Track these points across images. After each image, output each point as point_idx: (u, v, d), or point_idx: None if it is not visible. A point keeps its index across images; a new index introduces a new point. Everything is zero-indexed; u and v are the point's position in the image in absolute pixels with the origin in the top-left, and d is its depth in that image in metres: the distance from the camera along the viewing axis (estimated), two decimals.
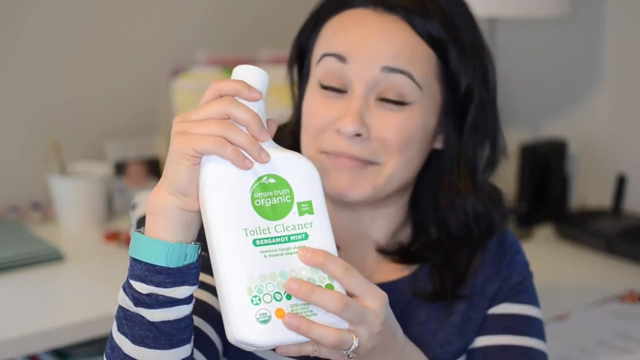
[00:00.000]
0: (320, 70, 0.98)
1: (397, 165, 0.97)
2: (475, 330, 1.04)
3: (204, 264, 1.05)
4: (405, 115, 0.95)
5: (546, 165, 2.03)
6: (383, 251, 1.05)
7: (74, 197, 1.91)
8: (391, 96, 0.95)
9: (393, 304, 1.03)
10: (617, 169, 2.00)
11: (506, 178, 2.28)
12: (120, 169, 2.09)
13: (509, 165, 2.13)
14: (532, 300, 1.07)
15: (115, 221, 2.00)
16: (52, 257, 1.73)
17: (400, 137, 0.95)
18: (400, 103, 0.95)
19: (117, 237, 1.86)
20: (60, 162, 1.94)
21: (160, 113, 2.18)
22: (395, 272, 1.05)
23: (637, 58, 1.96)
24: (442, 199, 1.02)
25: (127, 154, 2.11)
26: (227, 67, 2.11)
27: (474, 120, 1.00)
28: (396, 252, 1.05)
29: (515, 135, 2.17)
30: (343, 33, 0.96)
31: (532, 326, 1.05)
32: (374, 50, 0.94)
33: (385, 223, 1.05)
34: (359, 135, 0.95)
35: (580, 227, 1.93)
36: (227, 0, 2.24)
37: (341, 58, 0.95)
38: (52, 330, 1.47)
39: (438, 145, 1.02)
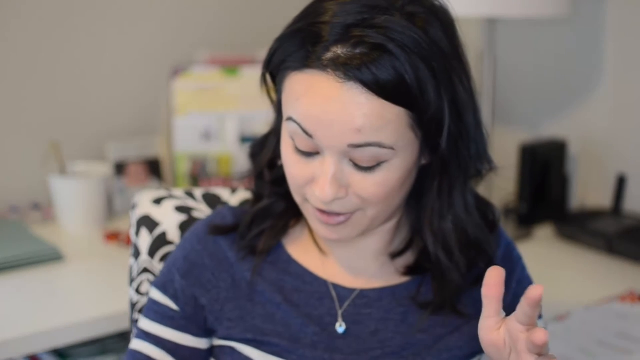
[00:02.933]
0: (289, 129, 0.95)
1: (381, 209, 0.97)
2: None
3: (162, 313, 1.06)
4: (382, 174, 0.94)
5: (546, 165, 2.03)
6: (391, 256, 1.06)
7: (74, 197, 1.91)
8: (365, 164, 0.93)
9: (395, 308, 1.03)
10: (617, 169, 2.00)
11: (506, 178, 2.29)
12: (120, 169, 2.10)
13: (509, 165, 2.14)
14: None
15: (115, 221, 2.00)
16: (52, 257, 1.73)
17: (380, 194, 0.95)
18: (376, 165, 0.93)
19: (117, 237, 1.86)
20: (60, 162, 1.94)
21: (160, 113, 2.18)
22: (398, 276, 1.05)
23: (637, 58, 1.96)
24: (430, 206, 1.01)
25: (127, 154, 2.11)
26: (227, 67, 2.11)
27: (446, 150, 0.96)
28: (397, 255, 1.05)
29: (515, 135, 2.17)
30: (305, 103, 0.91)
31: None
32: (337, 129, 0.90)
33: (383, 235, 1.06)
34: (337, 198, 0.95)
35: (580, 227, 1.93)
36: (227, 0, 2.24)
37: (307, 134, 0.92)
38: (52, 330, 1.47)
39: (424, 160, 1.00)
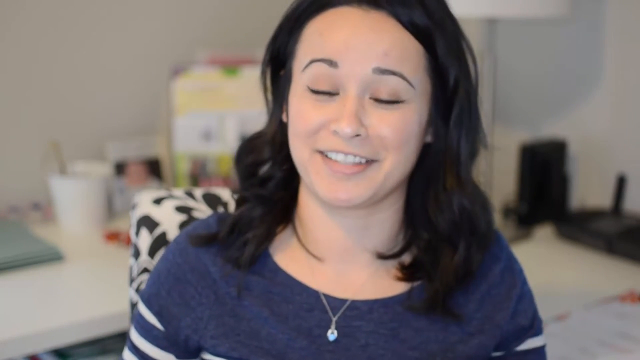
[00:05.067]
0: (308, 75, 0.95)
1: (397, 162, 0.96)
2: (487, 344, 1.02)
3: (148, 329, 1.05)
4: (401, 113, 0.94)
5: (546, 165, 2.03)
6: (382, 256, 1.02)
7: (74, 197, 1.91)
8: (385, 97, 0.94)
9: (386, 322, 1.00)
10: (617, 169, 2.00)
11: (506, 178, 2.29)
12: (120, 169, 2.10)
13: (509, 165, 2.14)
14: (540, 323, 1.09)
15: (115, 221, 2.00)
16: (52, 257, 1.73)
17: (398, 135, 0.94)
18: (395, 102, 0.94)
19: (117, 237, 1.86)
20: (60, 162, 1.94)
21: (160, 113, 2.18)
22: (389, 288, 1.02)
23: (637, 58, 1.96)
24: (430, 195, 1.00)
25: (127, 154, 2.11)
26: (227, 67, 2.11)
27: (459, 112, 0.98)
28: (394, 257, 1.02)
29: (515, 135, 2.17)
30: (330, 35, 0.94)
31: (544, 351, 1.08)
32: (365, 51, 0.92)
33: (380, 230, 1.02)
34: (357, 135, 0.93)
35: (580, 227, 1.93)
36: (227, 0, 2.24)
37: (332, 63, 0.93)
38: (52, 330, 1.47)
39: (428, 139, 1.00)
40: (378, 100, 0.94)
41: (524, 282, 1.07)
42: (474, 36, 2.23)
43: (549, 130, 2.14)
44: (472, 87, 0.99)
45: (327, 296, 1.01)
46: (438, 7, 0.96)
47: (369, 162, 0.95)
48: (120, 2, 2.10)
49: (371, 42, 0.92)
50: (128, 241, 1.81)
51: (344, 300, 1.01)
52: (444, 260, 1.00)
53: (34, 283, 1.65)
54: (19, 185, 2.00)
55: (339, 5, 0.95)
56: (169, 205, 1.24)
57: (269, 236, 1.03)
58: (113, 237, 1.86)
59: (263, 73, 1.02)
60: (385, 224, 1.02)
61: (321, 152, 0.96)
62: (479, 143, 1.02)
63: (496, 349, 1.04)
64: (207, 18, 2.22)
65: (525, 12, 1.80)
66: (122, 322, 1.50)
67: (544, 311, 1.45)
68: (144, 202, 1.25)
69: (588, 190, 2.09)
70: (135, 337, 1.05)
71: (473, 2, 1.80)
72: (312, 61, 0.94)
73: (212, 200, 1.26)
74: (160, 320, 1.03)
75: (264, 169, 1.04)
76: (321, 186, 0.96)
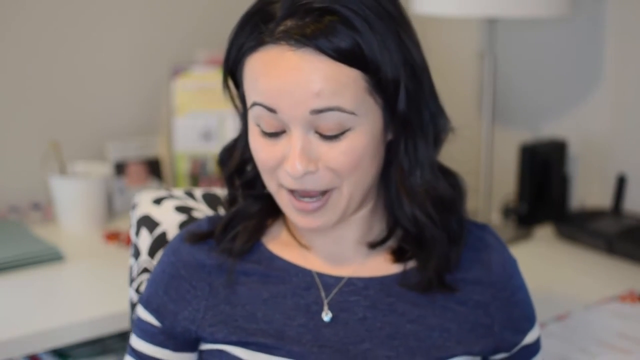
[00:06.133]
0: (254, 114, 0.96)
1: (355, 183, 0.97)
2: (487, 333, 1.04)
3: (145, 330, 1.06)
4: (349, 141, 0.94)
5: (546, 165, 2.03)
6: (370, 244, 1.04)
7: (74, 197, 1.91)
8: (328, 132, 0.94)
9: (382, 298, 1.02)
10: (617, 169, 2.00)
11: (506, 178, 2.30)
12: (120, 169, 2.10)
13: (509, 165, 2.14)
14: (535, 315, 1.10)
15: (115, 221, 2.00)
16: (52, 257, 1.73)
17: (349, 163, 0.95)
18: (339, 134, 0.94)
19: (117, 237, 1.86)
20: (60, 162, 1.94)
21: (160, 113, 2.18)
22: (384, 268, 1.05)
23: (637, 58, 1.96)
24: (396, 186, 1.01)
25: (127, 154, 2.11)
26: None
27: (405, 109, 0.97)
28: (382, 243, 1.04)
29: (515, 135, 2.17)
30: (264, 82, 0.93)
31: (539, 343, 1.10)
32: (298, 96, 0.92)
33: (360, 225, 1.05)
34: (308, 172, 0.94)
35: (580, 227, 1.93)
36: (227, 1, 2.24)
37: (270, 109, 0.94)
38: (52, 330, 1.47)
39: (390, 136, 1.00)
40: (323, 136, 0.94)
41: (520, 274, 1.09)
42: (474, 36, 2.23)
43: (549, 130, 2.14)
44: (416, 84, 0.97)
45: (323, 275, 1.04)
46: (362, 18, 0.92)
47: (329, 191, 0.97)
48: (120, 2, 2.10)
49: (302, 85, 0.92)
50: (128, 241, 1.81)
51: (340, 278, 1.04)
52: (427, 242, 1.02)
53: (34, 283, 1.65)
54: (19, 185, 2.00)
55: (270, 44, 0.93)
56: (169, 205, 1.24)
57: (260, 228, 1.07)
58: (113, 237, 1.87)
59: (225, 82, 1.03)
60: (364, 219, 1.05)
61: (285, 188, 0.98)
62: (439, 136, 1.01)
63: (498, 350, 1.05)
64: (207, 18, 2.22)
65: (525, 12, 1.80)
66: (122, 322, 1.51)
67: (544, 311, 1.45)
68: (144, 202, 1.25)
69: (588, 190, 2.09)
70: (134, 340, 1.08)
71: (473, 2, 1.80)
72: (254, 104, 0.96)
73: (212, 200, 1.26)
74: (157, 317, 1.06)
75: (249, 168, 1.07)
76: (291, 217, 1.00)
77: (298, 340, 1.01)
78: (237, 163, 1.06)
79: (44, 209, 2.01)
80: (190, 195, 1.27)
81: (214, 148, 2.11)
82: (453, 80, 2.30)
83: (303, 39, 0.91)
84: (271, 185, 1.00)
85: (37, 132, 2.01)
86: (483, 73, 1.99)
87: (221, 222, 1.07)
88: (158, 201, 1.24)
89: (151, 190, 1.29)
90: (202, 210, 1.24)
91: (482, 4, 1.79)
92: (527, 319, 1.07)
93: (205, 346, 1.05)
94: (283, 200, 0.99)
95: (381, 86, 0.94)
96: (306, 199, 0.97)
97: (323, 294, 1.03)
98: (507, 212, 2.07)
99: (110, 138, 2.11)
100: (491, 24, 1.94)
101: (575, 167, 2.10)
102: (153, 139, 2.16)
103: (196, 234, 1.08)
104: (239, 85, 1.02)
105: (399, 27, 0.96)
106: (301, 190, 0.96)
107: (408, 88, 0.96)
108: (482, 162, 1.97)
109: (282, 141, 0.95)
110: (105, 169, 2.01)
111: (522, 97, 2.18)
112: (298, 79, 0.92)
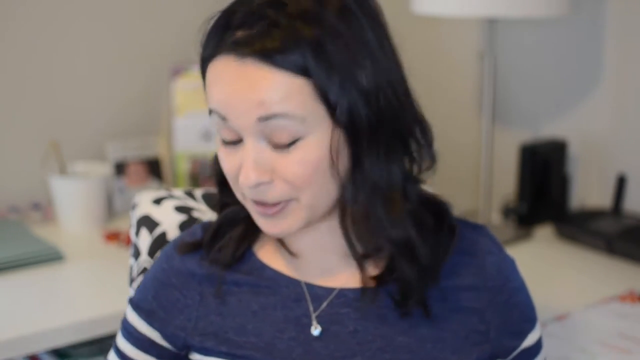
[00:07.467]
0: (213, 123, 0.98)
1: (313, 194, 0.95)
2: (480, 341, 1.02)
3: (132, 333, 1.07)
4: (301, 152, 0.93)
5: (546, 165, 2.03)
6: (358, 258, 1.01)
7: (74, 197, 1.91)
8: (278, 140, 0.93)
9: (373, 310, 1.00)
10: (617, 169, 2.00)
11: (506, 178, 2.30)
12: (120, 169, 2.10)
13: (509, 165, 2.14)
14: (536, 316, 1.09)
15: (115, 221, 2.00)
16: (52, 257, 1.73)
17: (302, 176, 0.93)
18: (290, 143, 0.93)
19: (117, 237, 1.86)
20: (60, 162, 1.94)
21: (160, 113, 2.18)
22: (373, 281, 1.02)
23: (637, 58, 1.96)
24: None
25: (127, 154, 2.11)
26: None
27: (354, 147, 0.94)
28: (365, 257, 1.00)
29: (515, 135, 2.17)
30: (215, 89, 0.95)
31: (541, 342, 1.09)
32: (244, 105, 0.92)
33: (335, 236, 1.01)
34: (262, 184, 0.94)
35: (580, 227, 1.93)
36: (227, 1, 2.24)
37: (221, 117, 0.95)
38: (52, 330, 1.47)
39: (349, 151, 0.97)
40: (275, 146, 0.93)
41: (518, 288, 1.06)
42: (474, 36, 2.23)
43: (549, 130, 2.14)
44: (369, 112, 0.93)
45: (313, 286, 1.02)
46: (315, 36, 0.91)
47: (286, 201, 0.95)
48: (120, 2, 2.10)
49: (247, 94, 0.92)
50: (128, 241, 1.81)
51: (331, 289, 1.02)
52: (406, 258, 0.99)
53: (34, 283, 1.65)
54: (19, 185, 2.00)
55: (219, 55, 0.95)
56: (169, 205, 1.24)
57: (248, 235, 1.05)
58: (113, 237, 1.87)
59: (205, 89, 1.02)
60: (337, 229, 1.00)
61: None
62: (419, 165, 0.98)
63: (495, 356, 1.04)
64: (207, 18, 2.21)
65: (525, 12, 1.80)
66: None
67: (544, 311, 1.45)
68: (144, 202, 1.25)
69: (588, 190, 2.09)
70: (120, 340, 1.08)
71: (473, 2, 1.80)
72: (210, 111, 0.97)
73: (212, 200, 1.26)
74: (147, 322, 1.06)
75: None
76: (258, 223, 0.99)
77: (288, 355, 0.99)
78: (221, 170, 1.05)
79: (44, 209, 2.01)
80: (190, 195, 1.27)
81: (214, 148, 2.11)
82: (453, 80, 2.30)
83: (248, 48, 0.91)
84: (237, 194, 0.99)
85: (37, 132, 2.01)
86: (483, 73, 1.99)
87: (209, 231, 1.06)
88: (158, 201, 1.25)
89: (151, 190, 1.29)
90: (202, 210, 1.24)
91: (482, 4, 1.79)
92: (527, 321, 1.06)
93: (194, 356, 1.04)
94: (249, 207, 0.98)
95: (328, 94, 0.92)
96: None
97: (311, 307, 1.01)
98: (507, 212, 2.07)
99: (110, 138, 2.11)
100: (491, 24, 1.94)
101: (575, 167, 2.10)
102: (153, 139, 2.16)
103: (187, 244, 1.07)
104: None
105: (359, 46, 0.93)
106: (258, 200, 0.96)
107: (359, 112, 0.93)
108: (482, 162, 1.97)
109: (240, 150, 0.95)
110: (105, 169, 2.01)
111: (522, 97, 2.18)
112: (243, 89, 0.92)
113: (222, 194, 1.07)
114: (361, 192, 0.95)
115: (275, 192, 0.94)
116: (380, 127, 0.94)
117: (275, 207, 0.95)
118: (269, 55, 0.91)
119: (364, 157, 0.94)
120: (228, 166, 0.97)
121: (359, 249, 1.00)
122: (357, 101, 0.93)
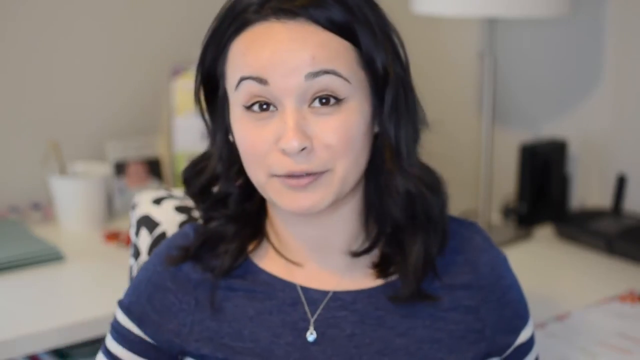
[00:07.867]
0: (242, 94, 0.95)
1: (348, 166, 0.95)
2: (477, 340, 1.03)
3: (124, 335, 1.05)
4: (342, 116, 0.94)
5: (546, 165, 2.03)
6: (354, 254, 1.02)
7: (74, 197, 1.91)
8: (324, 98, 0.93)
9: (370, 312, 1.00)
10: (617, 169, 2.00)
11: (506, 178, 2.29)
12: (120, 169, 2.10)
13: (509, 165, 2.14)
14: (529, 312, 1.09)
15: (115, 221, 2.00)
16: (52, 257, 1.73)
17: (343, 139, 0.93)
18: (334, 102, 0.93)
19: (117, 237, 1.86)
20: (60, 162, 1.94)
21: (160, 113, 2.18)
22: (368, 280, 1.02)
23: (637, 58, 1.96)
24: (382, 185, 1.00)
25: (127, 154, 2.11)
26: None
27: (393, 99, 0.97)
28: (365, 252, 1.01)
29: (515, 135, 2.17)
30: (254, 55, 0.93)
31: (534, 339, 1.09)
32: (292, 62, 0.92)
33: (345, 227, 1.02)
34: (304, 149, 0.93)
35: (580, 227, 1.93)
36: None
37: (261, 80, 0.93)
38: (52, 330, 1.47)
39: (376, 128, 1.00)
40: (317, 106, 0.93)
41: (510, 271, 1.07)
42: (474, 36, 2.23)
43: (549, 130, 2.14)
44: (403, 73, 0.99)
45: (308, 289, 1.02)
46: (355, 4, 0.95)
47: (321, 172, 0.95)
48: (120, 2, 2.10)
49: (296, 52, 0.92)
50: (128, 241, 1.81)
51: (325, 292, 1.01)
52: (408, 251, 1.00)
53: (34, 283, 1.65)
54: (19, 185, 2.00)
55: (256, 22, 0.94)
56: (168, 205, 1.24)
57: (242, 251, 1.04)
58: (113, 237, 1.87)
59: (197, 95, 1.01)
60: (347, 219, 1.02)
61: (276, 176, 0.95)
62: (419, 126, 1.01)
63: (490, 354, 1.04)
64: (208, 18, 2.21)
65: (525, 12, 1.80)
66: None
67: (544, 311, 1.45)
68: (143, 202, 1.25)
69: (588, 190, 2.09)
70: (111, 342, 1.06)
71: (473, 2, 1.80)
72: (242, 79, 0.94)
73: None
74: (139, 326, 1.04)
75: (215, 188, 1.04)
76: (282, 201, 0.96)
77: (285, 359, 0.99)
78: (204, 182, 1.04)
79: (44, 209, 2.01)
80: None
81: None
82: (453, 80, 2.30)
83: (295, 9, 0.92)
84: (260, 176, 0.96)
85: (37, 132, 2.01)
86: (483, 73, 1.99)
87: (195, 242, 1.04)
88: (158, 201, 1.25)
89: (151, 190, 1.29)
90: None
91: (482, 4, 1.79)
92: (520, 317, 1.06)
93: None
94: (274, 188, 0.96)
95: (371, 64, 0.95)
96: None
97: (309, 312, 1.01)
98: (507, 212, 2.07)
99: (110, 138, 2.11)
100: (491, 24, 1.94)
101: (575, 167, 2.10)
102: (153, 139, 2.16)
103: (177, 257, 1.04)
104: (215, 88, 1.00)
105: (390, 26, 0.99)
106: (295, 172, 0.93)
107: (398, 76, 0.97)
108: (482, 162, 1.97)
109: (274, 121, 0.94)
110: (105, 169, 2.01)
111: (522, 97, 2.18)
112: (290, 46, 0.92)
113: (205, 209, 1.05)
114: (401, 129, 0.98)
115: (313, 160, 0.93)
116: (405, 93, 0.98)
117: (309, 178, 0.94)
118: (317, 17, 0.93)
119: (397, 118, 0.98)
120: (258, 140, 0.94)
121: (372, 228, 1.01)
122: (393, 66, 0.96)
